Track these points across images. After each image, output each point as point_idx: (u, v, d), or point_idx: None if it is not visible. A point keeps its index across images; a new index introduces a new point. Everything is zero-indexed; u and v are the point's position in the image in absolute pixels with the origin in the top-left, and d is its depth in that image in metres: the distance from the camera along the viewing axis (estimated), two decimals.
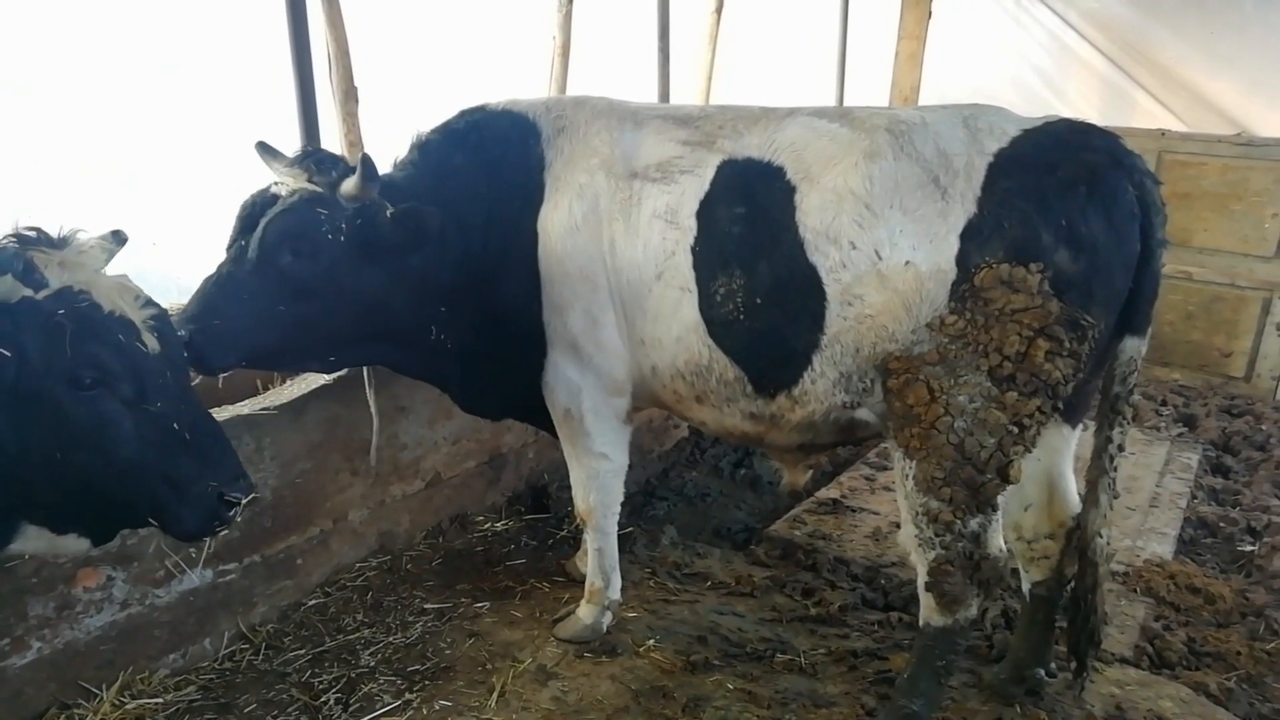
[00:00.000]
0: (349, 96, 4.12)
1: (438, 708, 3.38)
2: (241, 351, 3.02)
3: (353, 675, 3.54)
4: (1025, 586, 3.53)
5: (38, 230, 2.32)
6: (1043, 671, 3.52)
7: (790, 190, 3.02)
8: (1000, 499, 2.99)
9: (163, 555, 3.38)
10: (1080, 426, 3.35)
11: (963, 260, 2.80)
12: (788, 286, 3.00)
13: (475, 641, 3.80)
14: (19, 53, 3.50)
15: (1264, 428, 6.60)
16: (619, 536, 3.89)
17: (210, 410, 2.65)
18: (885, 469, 5.68)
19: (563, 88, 5.17)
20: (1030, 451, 2.95)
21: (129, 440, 2.30)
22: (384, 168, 3.26)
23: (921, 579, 3.12)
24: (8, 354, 2.13)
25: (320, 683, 3.50)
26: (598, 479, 3.69)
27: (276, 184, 3.15)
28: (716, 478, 5.77)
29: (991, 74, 9.01)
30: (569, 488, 3.86)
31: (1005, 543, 3.19)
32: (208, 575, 3.59)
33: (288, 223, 3.03)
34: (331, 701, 3.39)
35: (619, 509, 3.82)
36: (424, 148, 3.47)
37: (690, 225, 3.15)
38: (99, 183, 3.76)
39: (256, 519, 3.72)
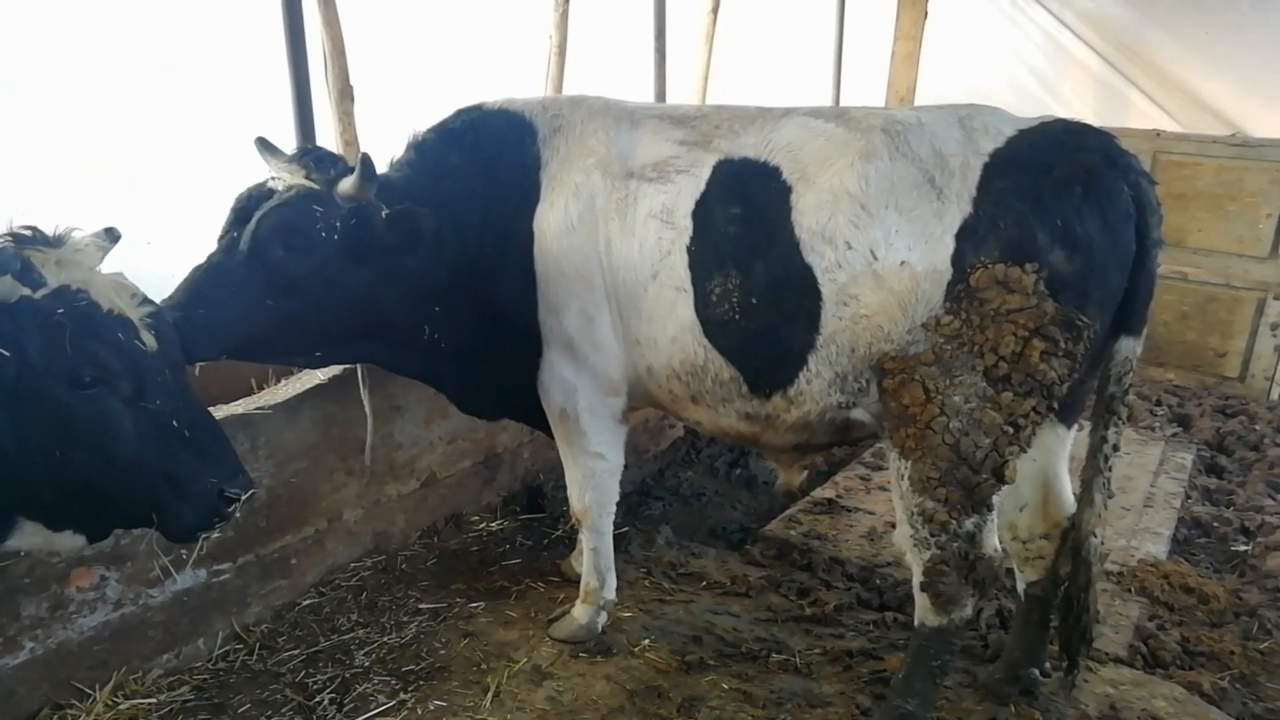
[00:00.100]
0: (345, 96, 4.11)
1: (432, 708, 3.38)
2: (225, 342, 2.99)
3: (347, 675, 3.54)
4: (1020, 586, 3.53)
5: (33, 229, 2.32)
6: (1037, 671, 3.53)
7: (786, 190, 3.02)
8: (995, 499, 3.00)
9: (155, 555, 3.37)
10: (1075, 427, 3.35)
11: (958, 260, 2.80)
12: (783, 286, 3.00)
13: (470, 641, 3.79)
14: (17, 51, 3.49)
15: (1258, 428, 6.61)
16: (614, 536, 3.89)
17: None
18: (880, 469, 5.69)
19: (559, 87, 5.16)
20: (1025, 452, 2.96)
21: (129, 438, 2.30)
22: (380, 167, 3.26)
23: (917, 579, 3.13)
24: (7, 354, 2.13)
25: (315, 683, 3.49)
26: (593, 479, 3.69)
27: (273, 179, 3.14)
28: (712, 478, 5.76)
29: (987, 74, 9.01)
30: (564, 487, 3.86)
31: (1000, 543, 3.20)
32: (201, 575, 3.58)
33: (282, 216, 3.01)
34: (326, 702, 3.39)
35: (614, 509, 3.82)
36: (420, 147, 3.47)
37: (686, 225, 3.15)
38: (98, 182, 3.75)
39: (251, 518, 3.71)
